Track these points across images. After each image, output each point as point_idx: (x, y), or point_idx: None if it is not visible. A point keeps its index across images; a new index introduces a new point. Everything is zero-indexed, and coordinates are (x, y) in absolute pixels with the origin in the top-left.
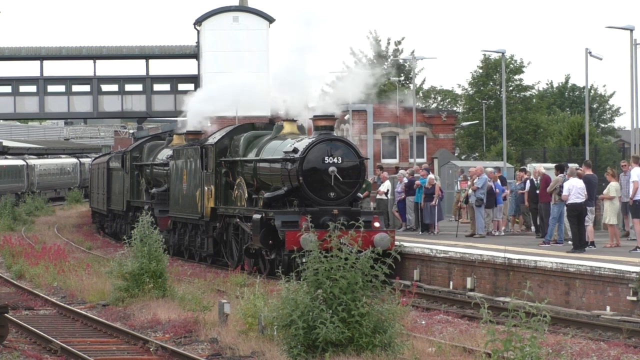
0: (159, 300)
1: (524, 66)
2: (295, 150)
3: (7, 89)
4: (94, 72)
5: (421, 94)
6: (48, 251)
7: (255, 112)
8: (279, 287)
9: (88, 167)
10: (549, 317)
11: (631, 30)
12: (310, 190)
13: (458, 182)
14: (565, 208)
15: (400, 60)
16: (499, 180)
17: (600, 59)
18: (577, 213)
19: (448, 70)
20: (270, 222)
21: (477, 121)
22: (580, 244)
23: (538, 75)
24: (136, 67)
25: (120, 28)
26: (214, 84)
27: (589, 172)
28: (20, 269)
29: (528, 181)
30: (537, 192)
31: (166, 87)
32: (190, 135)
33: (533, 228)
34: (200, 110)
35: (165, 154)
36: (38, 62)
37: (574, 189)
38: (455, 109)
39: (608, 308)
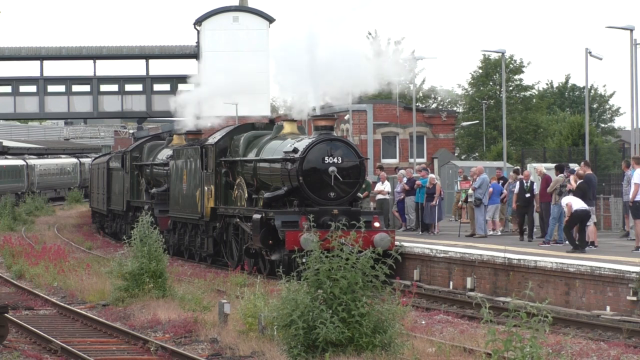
0: (159, 300)
1: (524, 66)
2: (295, 150)
3: (7, 89)
4: (94, 72)
5: (421, 94)
6: (48, 251)
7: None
8: (279, 287)
9: (88, 167)
10: (551, 319)
11: (631, 30)
12: (310, 190)
13: (458, 182)
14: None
15: (400, 60)
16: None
17: (600, 59)
18: (581, 219)
19: (448, 70)
20: (270, 222)
21: (477, 121)
22: (581, 244)
23: (538, 75)
24: (136, 67)
25: (120, 28)
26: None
27: (588, 171)
28: (20, 269)
29: (518, 182)
30: (527, 195)
31: (166, 87)
32: (190, 135)
33: (517, 228)
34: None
35: (165, 154)
36: (38, 62)
37: (573, 204)
38: (455, 109)
39: (608, 308)
